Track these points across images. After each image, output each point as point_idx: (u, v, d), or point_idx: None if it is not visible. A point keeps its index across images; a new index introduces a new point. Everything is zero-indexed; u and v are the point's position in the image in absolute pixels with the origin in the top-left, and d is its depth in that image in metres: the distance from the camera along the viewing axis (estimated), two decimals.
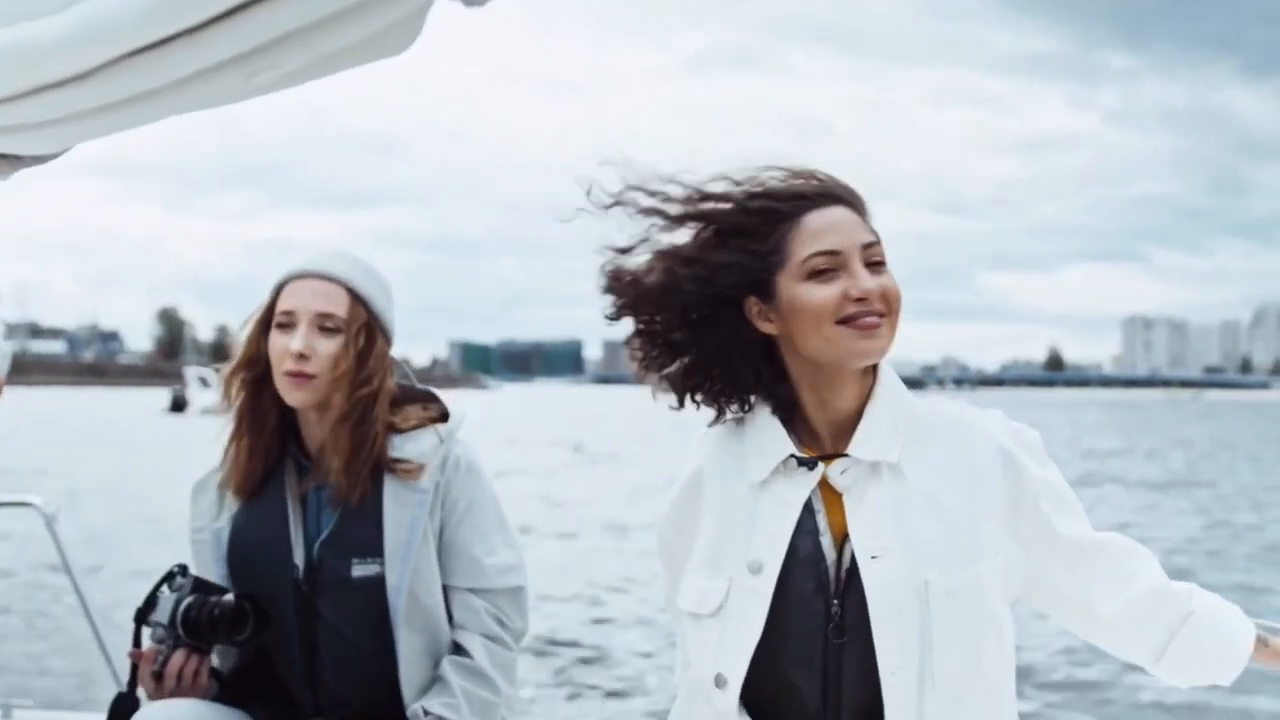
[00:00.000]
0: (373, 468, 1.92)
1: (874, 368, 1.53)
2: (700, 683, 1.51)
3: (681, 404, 1.56)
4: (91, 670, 6.28)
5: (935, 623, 1.40)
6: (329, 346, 1.88)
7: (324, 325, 1.89)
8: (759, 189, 1.50)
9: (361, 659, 1.92)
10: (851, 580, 1.44)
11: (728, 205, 1.50)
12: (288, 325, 1.89)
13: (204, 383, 66.82)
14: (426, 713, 1.88)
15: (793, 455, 1.50)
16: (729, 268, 1.48)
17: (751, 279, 1.48)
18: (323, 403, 1.90)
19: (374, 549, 1.90)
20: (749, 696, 1.47)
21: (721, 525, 1.54)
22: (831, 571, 1.46)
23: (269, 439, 1.94)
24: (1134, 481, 23.47)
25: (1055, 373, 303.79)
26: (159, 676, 1.84)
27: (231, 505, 1.96)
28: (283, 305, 1.91)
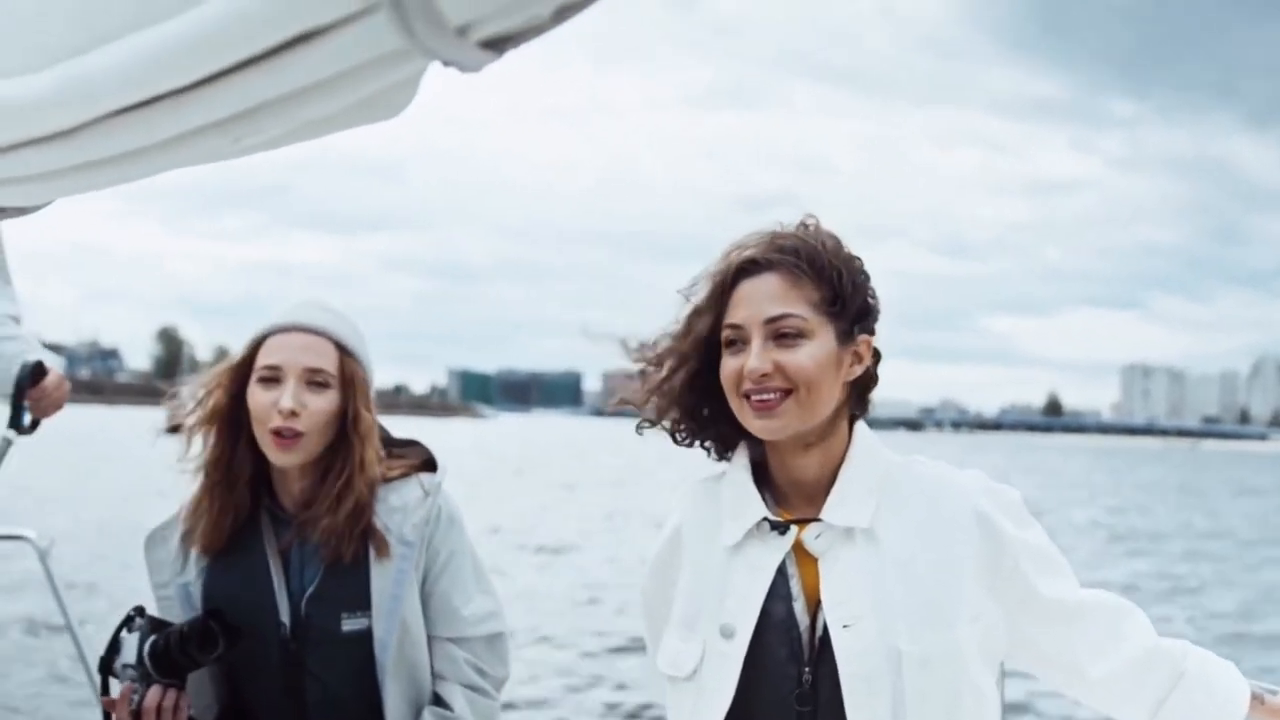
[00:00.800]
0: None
1: (850, 428, 1.53)
2: None
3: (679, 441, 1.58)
4: (83, 705, 6.23)
5: (909, 691, 1.38)
6: (319, 403, 1.84)
7: (313, 380, 1.84)
8: (713, 269, 1.53)
9: (347, 713, 1.89)
10: (825, 648, 1.42)
11: (691, 316, 1.53)
12: (272, 380, 1.83)
13: None
14: None
15: (766, 519, 1.49)
16: (698, 334, 1.52)
17: (703, 345, 1.51)
18: (308, 460, 1.86)
19: (361, 603, 1.87)
20: None
21: (696, 586, 1.53)
22: (805, 638, 1.44)
23: (241, 494, 1.88)
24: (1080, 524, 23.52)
25: (1054, 418, 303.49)
26: (136, 716, 1.80)
27: (197, 560, 1.91)
28: (266, 360, 1.85)
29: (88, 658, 2.97)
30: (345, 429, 1.87)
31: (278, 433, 1.81)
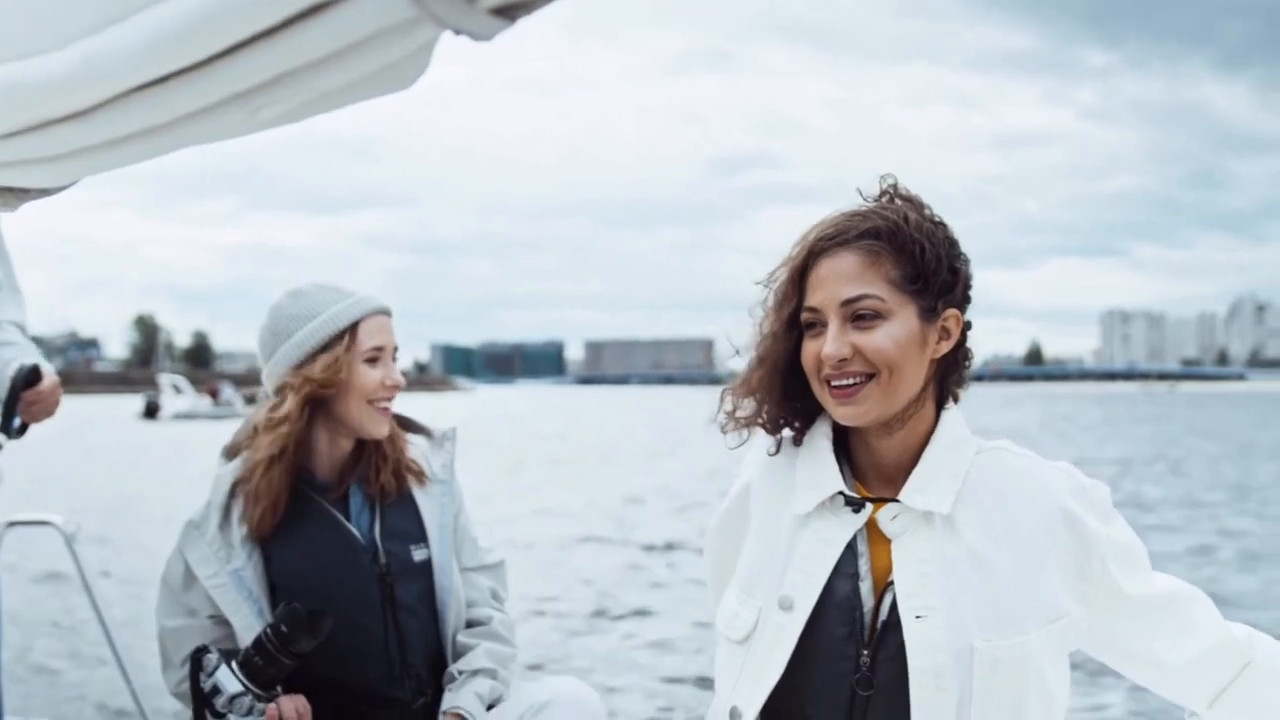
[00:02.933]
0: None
1: (937, 411, 1.47)
2: (719, 711, 1.48)
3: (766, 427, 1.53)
4: (109, 686, 6.26)
5: (976, 691, 1.33)
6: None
7: (394, 358, 2.06)
8: (790, 254, 1.47)
9: (428, 640, 2.04)
10: (887, 633, 1.38)
11: (772, 304, 1.49)
12: (376, 360, 2.01)
13: (176, 389, 66.80)
14: (475, 672, 2.01)
15: (841, 493, 1.44)
16: (776, 333, 1.47)
17: (792, 332, 1.47)
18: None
19: (420, 536, 2.05)
20: None
21: (761, 551, 1.49)
22: (868, 620, 1.39)
23: (293, 473, 2.00)
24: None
25: (1035, 367, 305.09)
26: None
27: (243, 544, 1.96)
28: (372, 341, 2.01)
29: (114, 639, 3.00)
30: None
31: (383, 405, 2.00)
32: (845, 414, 1.41)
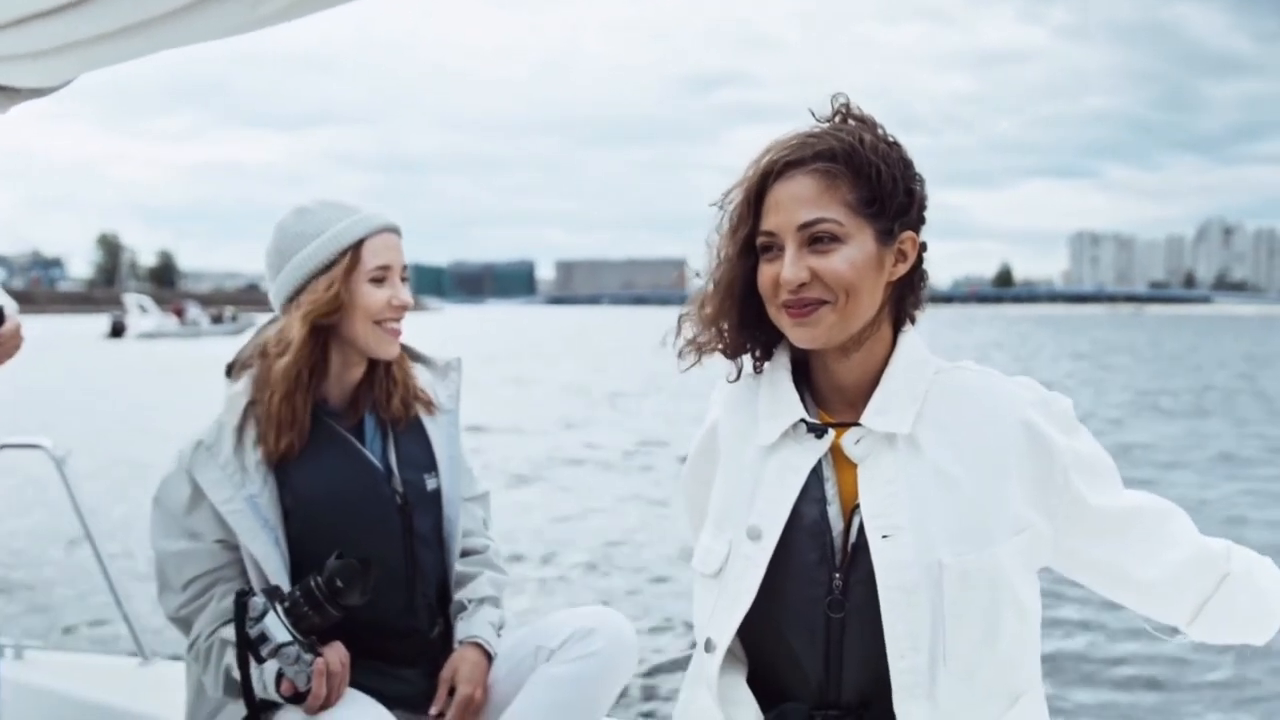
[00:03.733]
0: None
1: (893, 332, 1.46)
2: (698, 647, 1.49)
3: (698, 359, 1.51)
4: (102, 612, 6.28)
5: (948, 605, 1.34)
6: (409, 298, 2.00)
7: (403, 278, 2.00)
8: (743, 178, 1.45)
9: (438, 569, 2.03)
10: (858, 554, 1.38)
11: (727, 229, 1.46)
12: (382, 280, 1.94)
13: (142, 309, 66.36)
14: (482, 600, 2.04)
15: (803, 420, 1.44)
16: (731, 256, 1.45)
17: (746, 254, 1.44)
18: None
19: (431, 465, 2.02)
20: (751, 660, 1.46)
21: (729, 486, 1.49)
22: (838, 544, 1.40)
23: (312, 395, 1.94)
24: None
25: (1004, 289, 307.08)
26: (297, 696, 1.78)
27: (258, 467, 1.89)
28: (377, 260, 1.94)
29: (105, 562, 2.99)
30: None
31: (393, 327, 1.95)
32: (801, 335, 1.40)
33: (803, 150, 1.40)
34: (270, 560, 1.86)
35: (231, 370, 2.00)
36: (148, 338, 57.95)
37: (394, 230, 1.99)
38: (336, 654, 1.82)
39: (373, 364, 1.99)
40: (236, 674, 1.80)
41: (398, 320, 1.96)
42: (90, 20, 0.73)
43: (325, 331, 1.92)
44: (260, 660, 1.77)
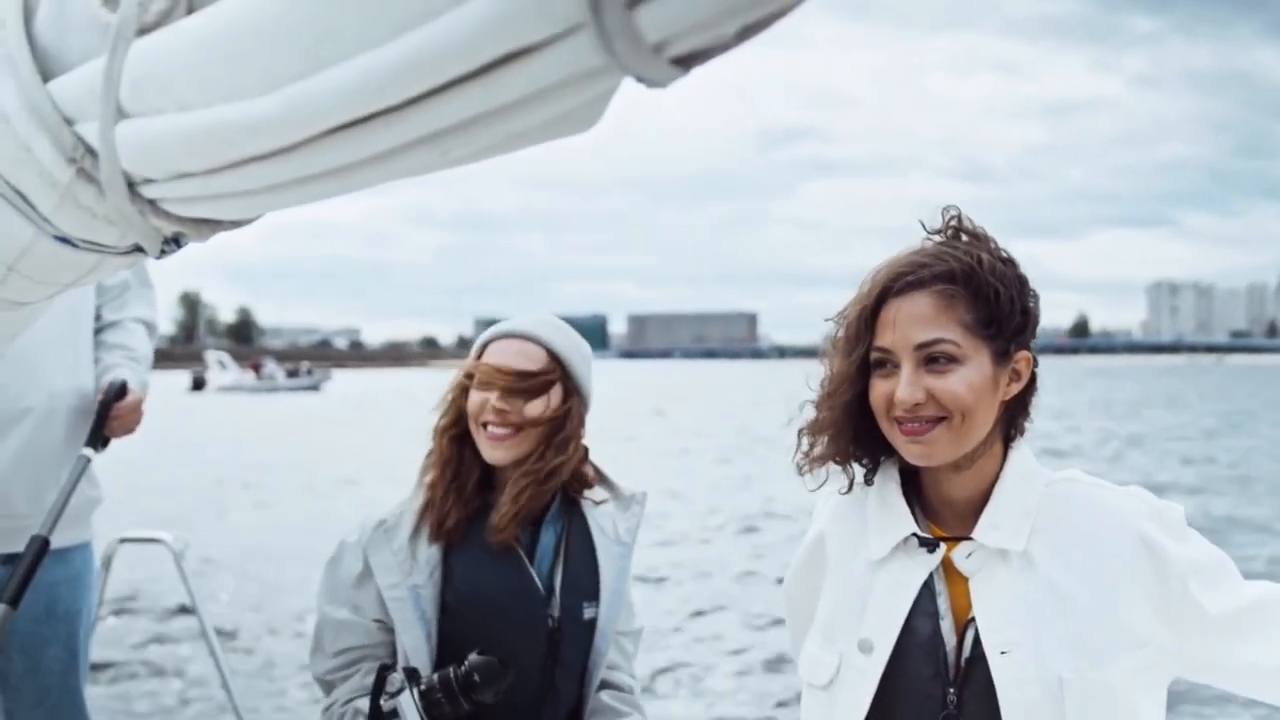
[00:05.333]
0: (571, 508, 2.02)
1: (1004, 447, 1.47)
2: None
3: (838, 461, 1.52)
4: (218, 711, 6.38)
5: None
6: (531, 404, 1.93)
7: (518, 386, 1.93)
8: (861, 290, 1.47)
9: (571, 698, 2.00)
10: (972, 669, 1.38)
11: (842, 343, 1.48)
12: (489, 385, 1.93)
13: (221, 365, 68.10)
14: None
15: (914, 534, 1.45)
16: (845, 375, 1.46)
17: (860, 372, 1.45)
18: (521, 457, 1.95)
19: (594, 593, 1.99)
20: None
21: (839, 597, 1.50)
22: (951, 658, 1.40)
23: (471, 491, 1.96)
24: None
25: (1081, 340, 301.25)
26: None
27: (427, 561, 1.93)
28: (488, 361, 1.96)
29: (219, 656, 3.02)
30: (557, 430, 1.96)
31: (492, 430, 1.92)
32: (916, 453, 1.40)
33: (921, 271, 1.41)
34: (419, 654, 1.89)
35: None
36: (226, 391, 59.31)
37: (517, 336, 1.97)
38: None
39: (525, 475, 1.94)
40: None
41: (500, 425, 1.91)
42: (295, 166, 0.80)
43: (465, 439, 1.96)
44: None
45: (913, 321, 1.40)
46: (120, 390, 2.38)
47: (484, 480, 1.98)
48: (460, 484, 1.95)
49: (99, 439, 2.34)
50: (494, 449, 1.92)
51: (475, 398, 1.94)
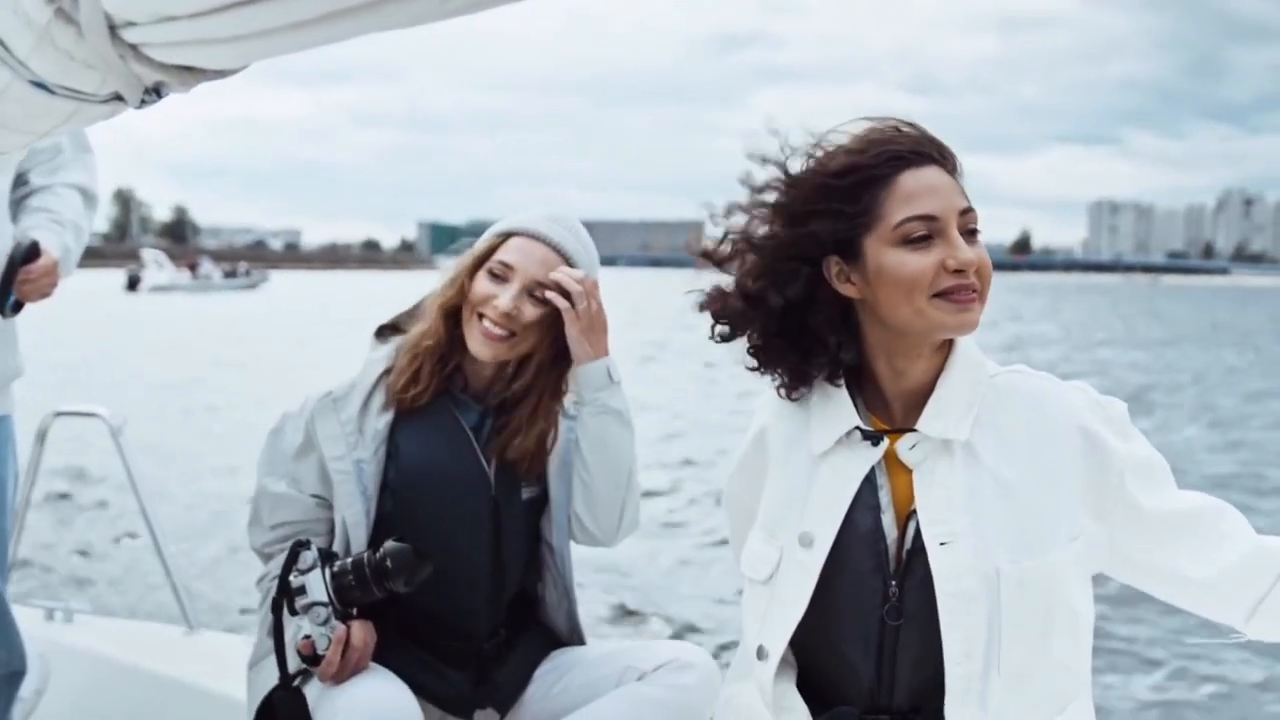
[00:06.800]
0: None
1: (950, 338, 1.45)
2: (746, 650, 1.49)
3: (762, 373, 1.49)
4: (151, 579, 6.36)
5: (1005, 613, 1.34)
6: (533, 313, 1.90)
7: (534, 293, 1.90)
8: (847, 151, 1.40)
9: (524, 569, 2.01)
10: (913, 561, 1.39)
11: (815, 180, 1.40)
12: (502, 278, 1.90)
13: (158, 265, 66.71)
14: None
15: (857, 428, 1.43)
16: (814, 235, 1.40)
17: (836, 240, 1.39)
18: (506, 358, 1.93)
19: (541, 476, 1.98)
20: (801, 664, 1.47)
21: (780, 492, 1.49)
22: (892, 550, 1.40)
23: (451, 371, 1.95)
24: None
25: (1021, 257, 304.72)
26: (312, 658, 1.79)
27: (374, 437, 1.91)
28: (504, 256, 1.91)
29: (156, 531, 3.03)
30: (556, 351, 1.94)
31: (489, 327, 1.88)
32: (964, 322, 1.37)
33: (925, 145, 1.40)
34: (358, 529, 1.89)
35: (380, 333, 2.03)
36: (161, 291, 58.20)
37: (547, 243, 1.92)
38: (361, 630, 1.82)
39: (513, 373, 1.95)
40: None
41: (496, 324, 1.88)
42: (284, 11, 0.77)
43: (455, 314, 1.93)
44: (293, 612, 1.80)
45: (949, 189, 1.38)
46: (30, 251, 2.24)
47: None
48: (443, 364, 1.93)
49: (6, 303, 2.23)
50: (484, 345, 1.90)
51: (484, 286, 1.90)
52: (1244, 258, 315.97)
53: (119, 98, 0.85)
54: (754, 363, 1.49)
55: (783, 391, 1.50)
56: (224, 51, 0.81)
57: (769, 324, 1.44)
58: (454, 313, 1.93)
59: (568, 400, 2.00)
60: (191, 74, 0.84)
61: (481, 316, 1.89)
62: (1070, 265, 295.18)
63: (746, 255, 1.45)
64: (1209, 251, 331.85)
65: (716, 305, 1.49)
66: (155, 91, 0.85)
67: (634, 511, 2.02)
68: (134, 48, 0.82)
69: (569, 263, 1.93)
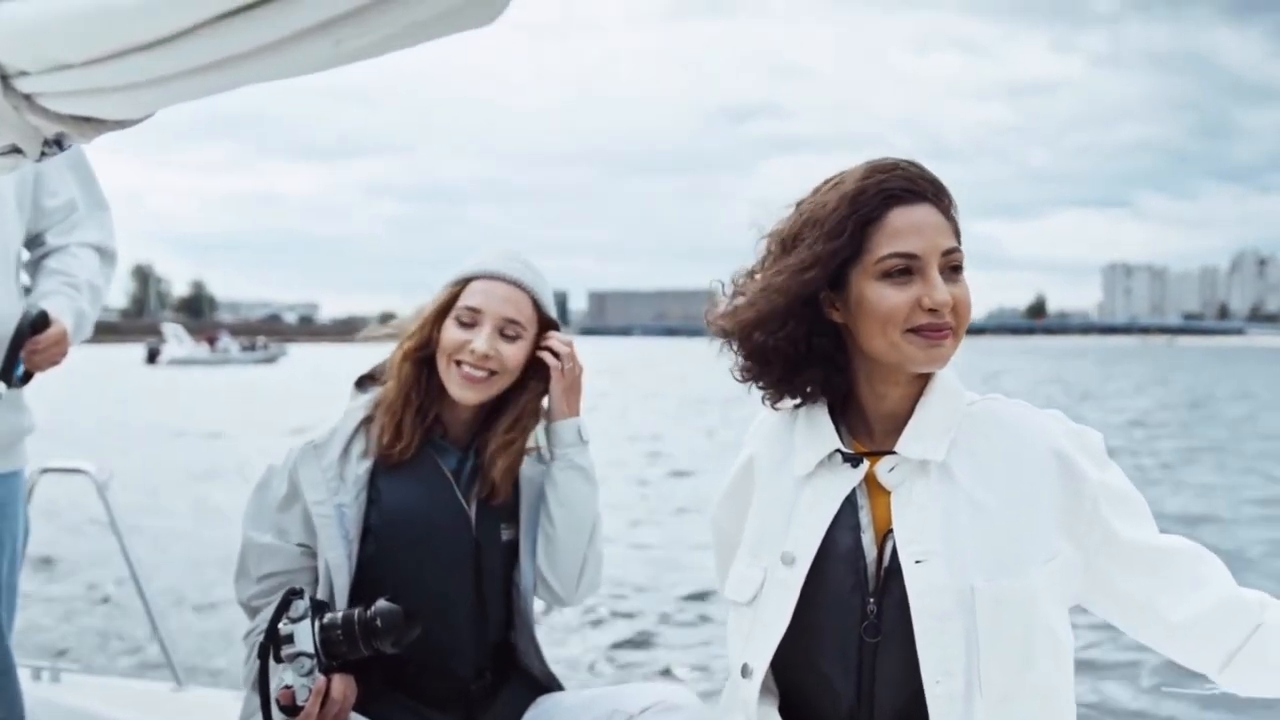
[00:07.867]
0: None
1: None
2: (732, 671, 1.51)
3: (751, 386, 1.54)
4: (138, 637, 6.33)
5: (982, 631, 1.36)
6: (510, 350, 1.95)
7: (505, 332, 1.95)
8: (848, 184, 1.45)
9: (501, 617, 2.01)
10: (891, 580, 1.41)
11: (810, 212, 1.47)
12: (470, 324, 1.94)
13: (178, 339, 67.88)
14: None
15: (838, 450, 1.48)
16: (810, 268, 1.44)
17: (829, 272, 1.44)
18: (486, 400, 1.97)
19: (513, 516, 2.01)
20: (783, 688, 1.48)
21: (765, 515, 1.53)
22: (871, 569, 1.42)
23: (431, 421, 1.98)
24: None
25: (1036, 320, 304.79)
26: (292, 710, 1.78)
27: (355, 482, 1.93)
28: (469, 301, 1.95)
29: (143, 587, 3.02)
30: (526, 378, 2.00)
31: (468, 371, 1.92)
32: (932, 358, 1.42)
33: (920, 183, 1.44)
34: (340, 572, 1.89)
35: (361, 384, 2.06)
36: (180, 364, 58.94)
37: (507, 281, 1.97)
38: (341, 683, 1.82)
39: (490, 415, 1.99)
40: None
41: (475, 368, 1.92)
42: (178, 56, 0.75)
43: (428, 364, 1.96)
44: (279, 660, 1.80)
45: (934, 228, 1.42)
46: (39, 320, 2.23)
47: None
48: (423, 415, 1.96)
49: (11, 374, 2.21)
50: (466, 389, 1.93)
51: (455, 334, 1.94)
52: (1259, 317, 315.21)
53: (17, 150, 0.83)
54: (745, 373, 1.53)
55: (767, 401, 1.55)
56: (121, 100, 0.79)
57: (773, 354, 1.49)
58: (425, 363, 1.96)
59: (541, 439, 2.04)
60: (91, 125, 0.82)
61: (459, 363, 1.93)
62: (1087, 328, 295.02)
63: (753, 298, 1.50)
64: (1224, 312, 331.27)
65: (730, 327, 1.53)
66: (56, 143, 0.83)
67: (595, 569, 2.04)
68: (28, 98, 0.79)
69: (530, 295, 1.98)
